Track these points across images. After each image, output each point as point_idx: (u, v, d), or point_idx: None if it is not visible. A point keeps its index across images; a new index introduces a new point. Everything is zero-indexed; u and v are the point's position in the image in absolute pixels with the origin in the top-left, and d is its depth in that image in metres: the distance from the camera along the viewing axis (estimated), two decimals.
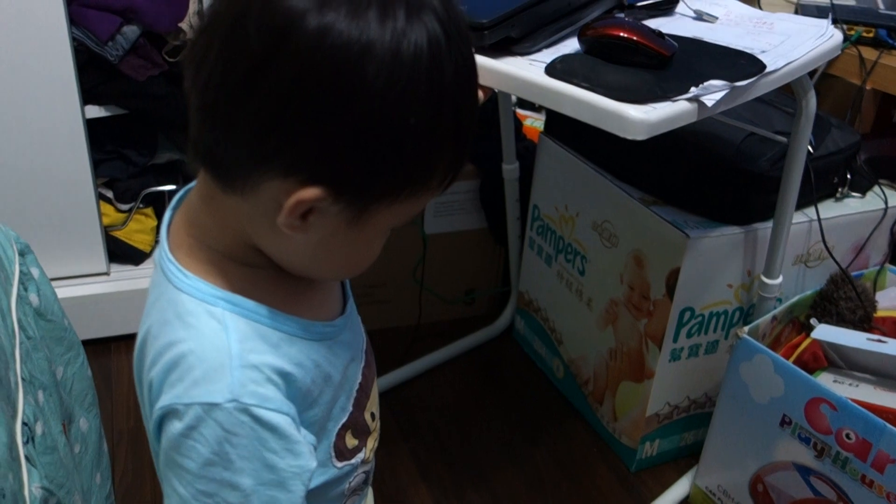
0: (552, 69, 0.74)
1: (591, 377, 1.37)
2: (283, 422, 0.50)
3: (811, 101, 0.97)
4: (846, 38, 1.38)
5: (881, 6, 1.59)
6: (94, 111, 1.40)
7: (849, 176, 1.25)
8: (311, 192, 0.46)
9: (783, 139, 1.07)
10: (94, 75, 1.35)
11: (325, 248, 0.52)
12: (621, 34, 0.76)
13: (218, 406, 0.48)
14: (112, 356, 1.52)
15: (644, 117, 0.68)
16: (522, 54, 0.79)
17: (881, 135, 1.44)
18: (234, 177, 0.49)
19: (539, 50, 0.80)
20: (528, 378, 1.53)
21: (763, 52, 0.83)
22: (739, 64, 0.78)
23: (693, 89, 0.72)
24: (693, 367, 1.24)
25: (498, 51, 0.77)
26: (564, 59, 0.76)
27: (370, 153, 0.46)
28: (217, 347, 0.49)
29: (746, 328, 1.11)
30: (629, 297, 1.23)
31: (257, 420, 0.49)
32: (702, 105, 0.72)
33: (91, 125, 1.40)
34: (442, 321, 1.66)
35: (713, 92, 0.73)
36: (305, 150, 0.45)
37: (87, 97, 1.36)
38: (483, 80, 0.72)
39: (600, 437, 1.38)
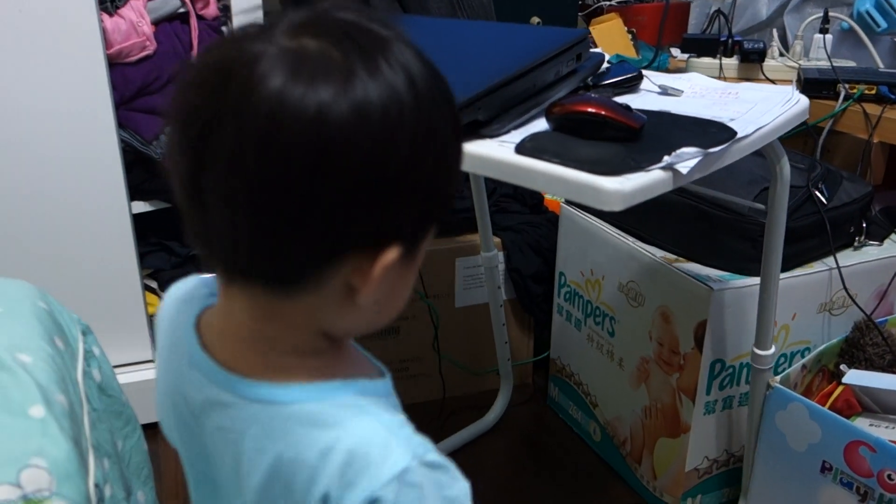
0: (522, 147, 0.75)
1: (628, 437, 1.39)
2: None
3: (785, 167, 0.97)
4: (849, 97, 1.44)
5: (881, 65, 1.66)
6: (140, 206, 1.48)
7: (865, 225, 1.29)
8: (391, 255, 0.47)
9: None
10: (139, 173, 1.45)
11: (390, 297, 0.52)
12: (589, 109, 0.77)
13: (408, 469, 0.48)
14: (158, 440, 1.56)
15: (619, 188, 0.68)
16: (491, 136, 0.79)
17: (894, 185, 1.49)
18: (301, 278, 0.48)
19: (507, 131, 0.80)
20: (566, 444, 1.55)
21: (732, 119, 0.83)
22: (710, 132, 0.79)
23: (666, 158, 0.72)
24: (728, 420, 1.25)
25: (466, 134, 0.78)
26: (534, 137, 0.77)
27: (419, 197, 0.48)
28: (371, 427, 0.50)
29: (778, 378, 1.13)
30: (659, 353, 1.26)
31: (432, 466, 0.50)
32: (676, 173, 0.72)
33: (137, 219, 1.48)
34: (474, 393, 1.69)
35: (686, 160, 0.73)
36: (372, 222, 0.46)
37: (133, 193, 1.45)
38: None
39: (642, 498, 1.38)
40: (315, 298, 0.49)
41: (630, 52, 1.77)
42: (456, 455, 1.51)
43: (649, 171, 0.71)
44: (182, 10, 1.37)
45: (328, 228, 0.45)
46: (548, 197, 1.73)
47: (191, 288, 0.59)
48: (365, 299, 0.49)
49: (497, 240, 1.60)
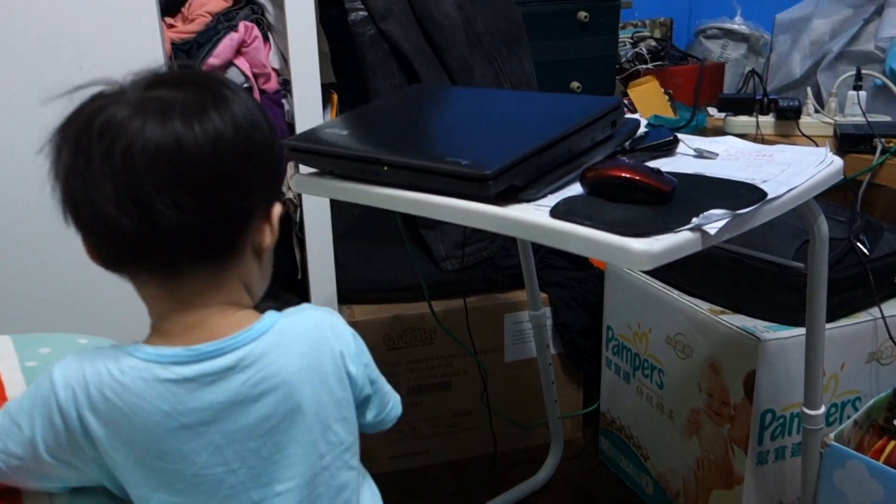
0: (556, 211, 0.78)
1: (681, 490, 1.40)
2: None
3: (822, 226, 0.99)
4: (886, 150, 1.48)
5: None
6: None
7: None
8: (278, 208, 0.70)
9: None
10: None
11: (271, 256, 0.72)
12: (620, 174, 0.80)
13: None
14: None
15: (647, 248, 0.71)
16: (528, 200, 0.82)
17: None
18: (231, 248, 0.66)
19: (544, 195, 0.84)
20: (619, 498, 1.56)
21: (764, 181, 0.85)
22: (740, 193, 0.81)
23: (694, 220, 0.74)
24: (782, 471, 1.26)
25: (504, 199, 0.82)
26: (567, 201, 0.80)
27: (274, 172, 0.68)
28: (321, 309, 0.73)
29: (832, 434, 1.13)
30: (709, 404, 1.29)
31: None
32: (705, 234, 0.74)
33: None
34: (524, 447, 1.72)
35: (715, 221, 0.75)
36: (263, 194, 0.67)
37: None
38: (491, 226, 0.84)
39: None
40: (240, 261, 0.67)
41: (667, 113, 1.83)
42: None
43: (678, 232, 0.74)
44: (246, 85, 1.46)
45: (240, 206, 0.65)
46: None
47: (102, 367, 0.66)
48: (266, 254, 0.69)
49: (544, 295, 1.65)
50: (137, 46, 1.34)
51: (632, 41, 2.09)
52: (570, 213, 0.78)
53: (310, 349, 0.69)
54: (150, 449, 0.64)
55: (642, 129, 1.03)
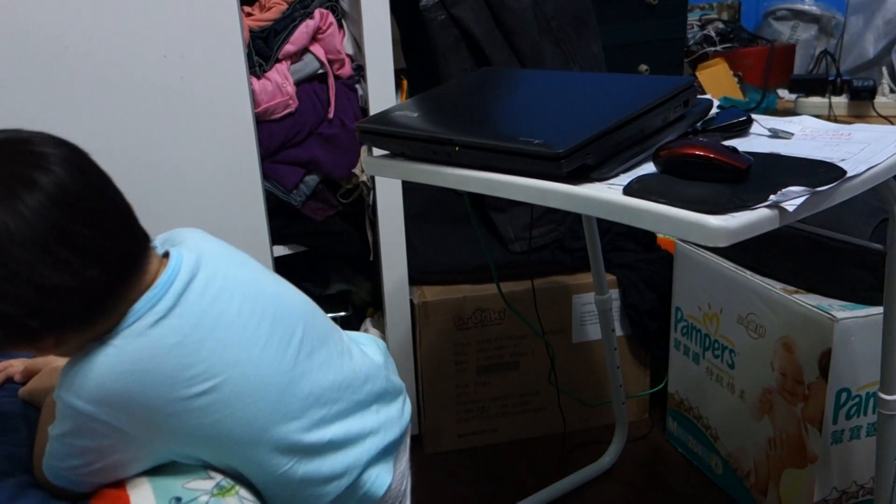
0: (630, 189, 0.79)
1: (752, 469, 1.40)
2: None
3: None
4: None
5: None
6: (280, 250, 1.62)
7: None
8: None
9: None
10: (280, 219, 1.58)
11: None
12: (695, 152, 0.79)
13: None
14: None
15: (724, 224, 0.71)
16: (600, 180, 0.83)
17: None
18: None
19: (616, 175, 0.84)
20: (687, 478, 1.57)
21: (843, 160, 0.84)
22: (818, 171, 0.80)
23: (772, 197, 0.73)
24: (856, 450, 1.26)
25: (576, 178, 0.83)
26: (641, 179, 0.80)
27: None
28: None
29: None
30: (782, 383, 1.29)
31: None
32: (783, 211, 0.74)
33: (276, 262, 1.61)
34: (592, 427, 1.73)
35: (793, 198, 0.74)
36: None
37: (274, 238, 1.58)
38: (564, 205, 0.84)
39: None
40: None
41: (737, 95, 1.82)
42: (577, 494, 1.56)
43: (755, 209, 0.73)
44: (321, 71, 1.51)
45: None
46: (660, 236, 1.78)
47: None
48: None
49: (612, 277, 1.65)
50: (218, 35, 1.39)
51: (699, 23, 2.08)
52: (644, 191, 0.78)
53: None
54: None
55: (713, 111, 1.03)
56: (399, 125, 1.01)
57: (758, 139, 0.97)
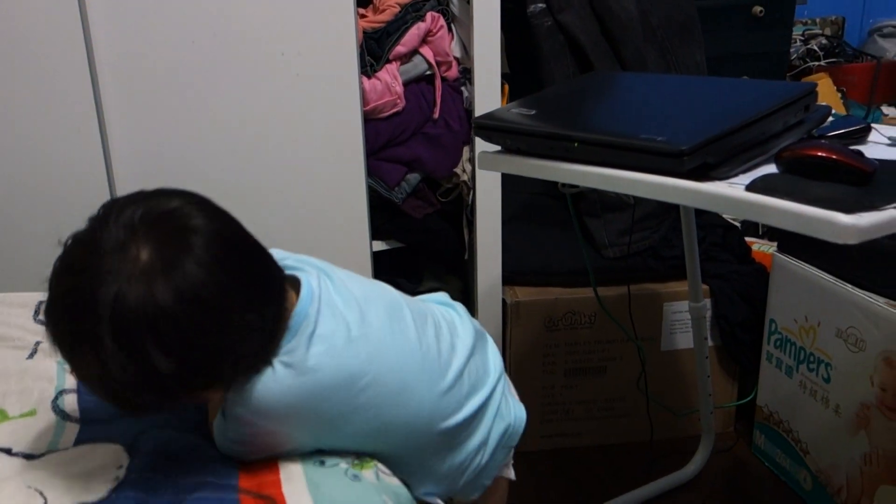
0: (753, 186, 0.80)
1: (845, 485, 1.38)
2: None
3: None
4: None
5: None
6: (379, 245, 1.67)
7: None
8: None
9: None
10: (381, 215, 1.64)
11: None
12: (820, 153, 0.80)
13: None
14: None
15: (854, 222, 0.71)
16: (720, 178, 0.84)
17: None
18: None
19: (735, 175, 0.85)
20: (774, 493, 1.55)
21: None
22: None
23: None
24: None
25: (696, 176, 0.84)
26: (764, 178, 0.81)
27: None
28: None
29: None
30: (882, 398, 1.27)
31: None
32: None
33: (374, 256, 1.67)
34: (677, 437, 1.73)
35: None
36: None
37: (374, 233, 1.64)
38: (686, 200, 0.86)
39: None
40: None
41: (840, 110, 1.80)
42: (659, 502, 1.56)
43: (885, 209, 0.73)
44: (429, 72, 1.56)
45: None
46: (755, 249, 1.77)
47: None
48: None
49: (705, 287, 1.66)
50: (333, 35, 1.46)
51: (802, 38, 2.06)
52: (768, 189, 0.79)
53: None
54: None
55: (829, 120, 1.03)
56: (516, 122, 1.04)
57: (877, 147, 0.97)
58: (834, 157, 0.81)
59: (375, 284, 0.90)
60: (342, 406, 0.75)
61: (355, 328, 0.77)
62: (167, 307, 0.64)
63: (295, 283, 0.78)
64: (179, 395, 0.70)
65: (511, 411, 0.94)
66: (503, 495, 0.99)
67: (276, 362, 0.73)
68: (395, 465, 0.83)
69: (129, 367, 0.65)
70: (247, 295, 0.69)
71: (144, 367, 0.65)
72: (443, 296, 1.03)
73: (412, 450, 0.83)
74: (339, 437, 0.78)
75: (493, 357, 0.95)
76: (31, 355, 0.96)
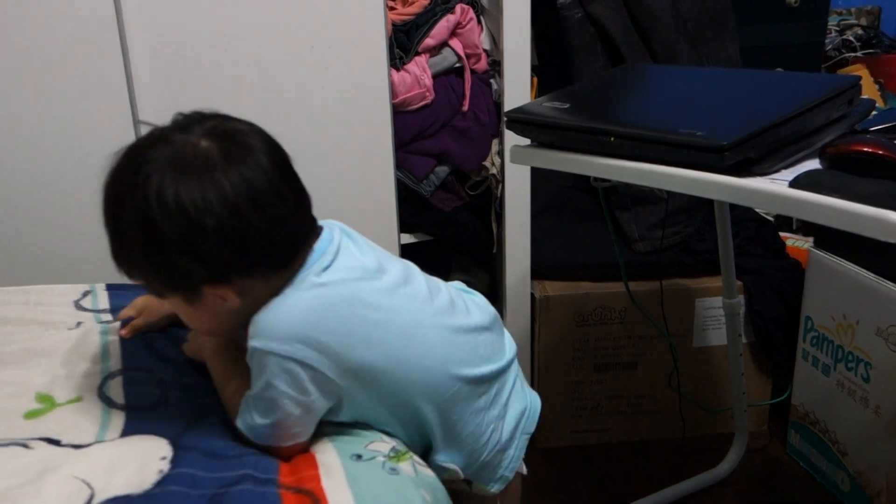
0: (797, 182, 0.79)
1: (884, 488, 1.35)
2: None
3: None
4: None
5: None
6: (407, 238, 1.66)
7: None
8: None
9: None
10: (409, 208, 1.62)
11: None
12: (866, 149, 0.79)
13: None
14: None
15: None
16: (762, 174, 0.83)
17: None
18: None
19: (777, 170, 0.84)
20: (809, 494, 1.53)
21: None
22: None
23: None
24: None
25: (736, 172, 0.83)
26: (808, 174, 0.80)
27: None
28: None
29: None
30: None
31: None
32: None
33: (402, 249, 1.66)
34: (708, 434, 1.70)
35: None
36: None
37: (402, 226, 1.63)
38: (727, 197, 0.85)
39: None
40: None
41: (879, 103, 1.76)
42: (691, 500, 1.53)
43: None
44: (458, 65, 1.55)
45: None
46: (790, 244, 1.74)
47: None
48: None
49: (739, 283, 1.63)
50: (363, 27, 1.44)
51: (837, 29, 2.02)
52: (813, 185, 0.78)
53: None
54: None
55: (872, 114, 1.01)
56: (550, 115, 1.02)
57: None
58: (881, 152, 0.79)
59: (392, 255, 0.93)
60: (354, 326, 0.77)
61: (371, 272, 0.82)
62: (217, 166, 0.73)
63: (318, 231, 0.84)
64: (213, 265, 0.74)
65: (527, 395, 0.95)
66: (517, 489, 0.98)
67: (287, 289, 0.77)
68: (418, 422, 0.82)
69: (176, 221, 0.71)
70: (289, 197, 0.78)
71: (189, 222, 0.71)
72: (460, 284, 1.02)
73: (431, 394, 0.81)
74: (367, 385, 0.79)
75: (509, 342, 0.95)
76: (76, 326, 0.99)
